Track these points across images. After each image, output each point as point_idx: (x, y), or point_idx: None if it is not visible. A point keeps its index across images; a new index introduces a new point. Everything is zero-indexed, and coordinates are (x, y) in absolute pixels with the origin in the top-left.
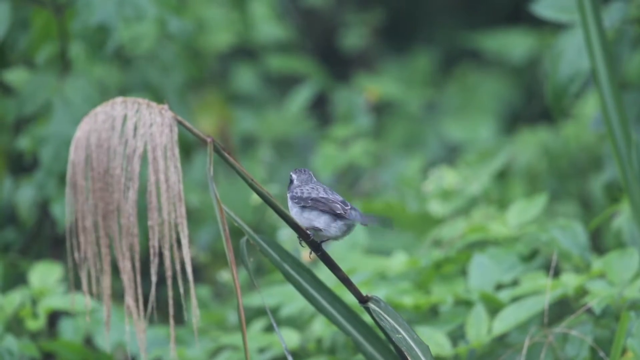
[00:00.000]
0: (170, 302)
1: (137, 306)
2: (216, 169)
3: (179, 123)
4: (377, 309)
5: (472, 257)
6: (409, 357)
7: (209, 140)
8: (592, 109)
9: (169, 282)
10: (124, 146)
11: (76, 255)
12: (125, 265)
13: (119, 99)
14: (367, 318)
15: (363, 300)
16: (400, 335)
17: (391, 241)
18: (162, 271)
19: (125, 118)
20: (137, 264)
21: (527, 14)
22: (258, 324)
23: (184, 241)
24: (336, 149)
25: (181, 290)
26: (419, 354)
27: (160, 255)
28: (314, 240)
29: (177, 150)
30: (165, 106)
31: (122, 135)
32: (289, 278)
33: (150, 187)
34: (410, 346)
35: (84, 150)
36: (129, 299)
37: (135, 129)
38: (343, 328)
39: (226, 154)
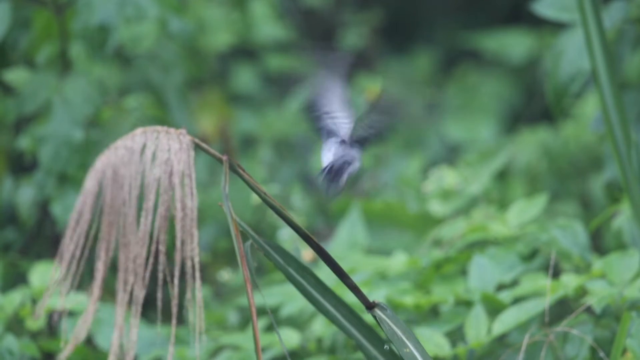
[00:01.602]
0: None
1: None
2: (215, 169)
3: (196, 145)
4: (383, 316)
5: (472, 257)
6: None
7: (224, 158)
8: (592, 108)
9: (174, 319)
10: (140, 176)
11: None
12: (126, 295)
13: (139, 130)
14: (370, 319)
15: (370, 306)
16: (408, 350)
17: (391, 241)
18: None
19: (144, 148)
20: (141, 294)
21: (527, 14)
22: (258, 324)
23: (197, 274)
24: None
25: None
26: None
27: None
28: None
29: (194, 175)
30: (183, 131)
31: (140, 164)
32: (293, 281)
33: (160, 221)
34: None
35: (97, 182)
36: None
37: (154, 158)
38: (347, 331)
39: (241, 171)
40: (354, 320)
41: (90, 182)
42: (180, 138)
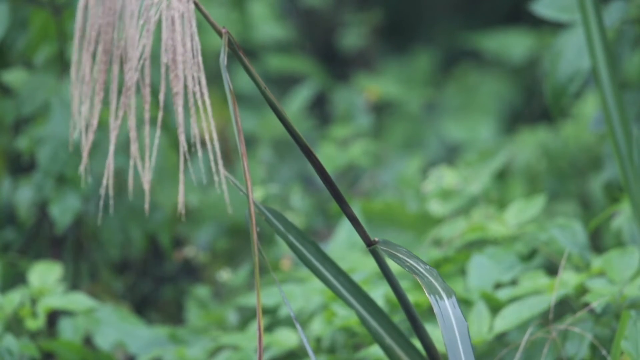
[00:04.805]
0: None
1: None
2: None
3: (196, 5)
4: (385, 248)
5: (471, 257)
6: (424, 287)
7: (223, 31)
8: (591, 108)
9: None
10: None
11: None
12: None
13: None
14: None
15: (371, 243)
16: (409, 263)
17: (391, 240)
18: (162, 271)
19: None
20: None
21: (527, 14)
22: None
23: (208, 111)
24: (336, 148)
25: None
26: (431, 279)
27: (161, 256)
28: None
29: (194, 23)
30: None
31: None
32: (293, 249)
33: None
34: (421, 273)
35: None
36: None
37: None
38: (347, 301)
39: (240, 53)
40: (354, 290)
41: None
42: None
